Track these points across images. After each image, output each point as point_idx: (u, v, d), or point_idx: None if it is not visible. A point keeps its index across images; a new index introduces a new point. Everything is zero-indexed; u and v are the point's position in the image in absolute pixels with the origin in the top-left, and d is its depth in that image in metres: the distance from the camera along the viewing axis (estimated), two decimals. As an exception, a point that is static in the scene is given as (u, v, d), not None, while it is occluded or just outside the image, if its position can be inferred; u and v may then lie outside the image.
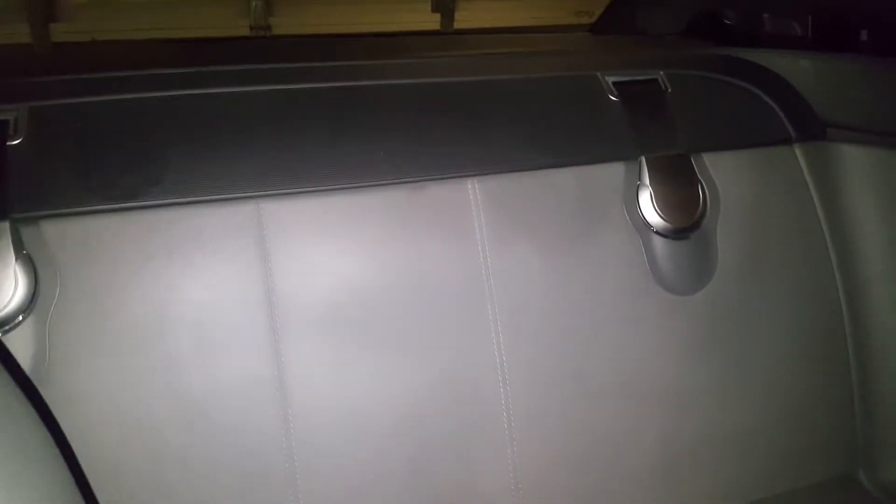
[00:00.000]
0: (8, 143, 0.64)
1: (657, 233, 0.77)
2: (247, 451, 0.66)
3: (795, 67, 0.86)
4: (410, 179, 0.72)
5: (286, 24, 1.18)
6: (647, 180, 0.77)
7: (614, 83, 0.81)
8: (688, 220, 0.77)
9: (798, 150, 0.83)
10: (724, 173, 0.80)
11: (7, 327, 0.61)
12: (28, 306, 0.62)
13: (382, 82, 0.78)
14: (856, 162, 0.79)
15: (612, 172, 0.77)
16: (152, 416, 0.64)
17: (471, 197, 0.73)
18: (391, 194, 0.72)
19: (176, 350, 0.65)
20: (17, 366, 0.61)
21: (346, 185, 0.71)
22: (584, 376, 0.75)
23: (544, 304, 0.74)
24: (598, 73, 0.81)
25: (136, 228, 0.65)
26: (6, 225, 0.62)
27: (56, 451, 0.41)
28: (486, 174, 0.74)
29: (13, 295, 0.61)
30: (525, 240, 0.74)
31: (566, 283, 0.75)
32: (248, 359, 0.67)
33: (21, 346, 0.62)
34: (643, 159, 0.77)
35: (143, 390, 0.64)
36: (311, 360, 0.69)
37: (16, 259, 0.61)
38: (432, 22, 1.26)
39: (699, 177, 0.78)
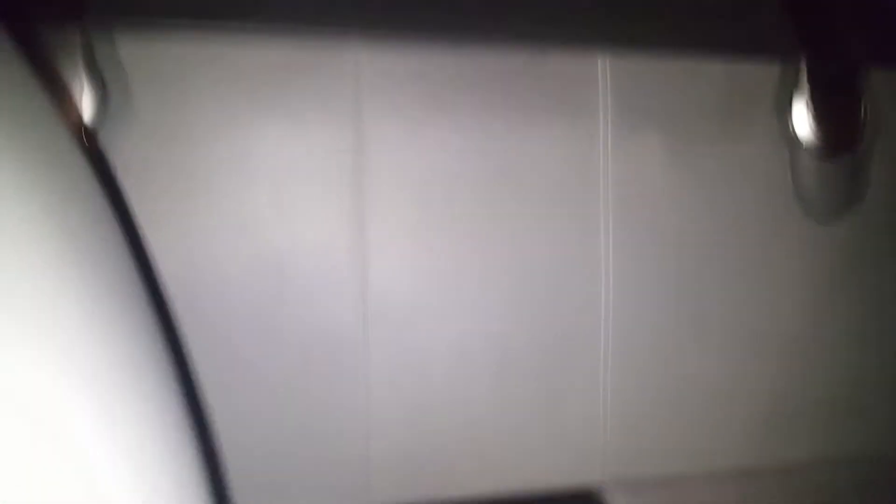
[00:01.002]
0: None
1: (808, 149, 0.66)
2: (322, 315, 0.59)
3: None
4: (531, 44, 0.62)
5: None
6: (805, 88, 0.66)
7: None
8: (845, 139, 0.67)
9: None
10: (891, 92, 0.69)
11: None
12: (96, 123, 0.54)
13: None
14: None
15: (766, 73, 0.66)
16: (225, 270, 0.57)
17: (599, 75, 0.63)
18: (507, 59, 0.62)
19: (253, 203, 0.58)
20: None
21: (455, 41, 0.61)
22: (700, 300, 0.65)
23: (666, 211, 0.64)
24: None
25: (219, 62, 0.56)
26: (76, 35, 0.54)
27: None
28: (620, 52, 0.63)
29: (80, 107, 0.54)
30: (654, 134, 0.64)
31: (695, 190, 0.65)
32: (330, 223, 0.59)
33: None
34: (804, 63, 0.66)
35: (215, 240, 0.57)
36: (397, 233, 0.61)
37: (86, 71, 0.54)
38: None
39: (865, 93, 0.68)
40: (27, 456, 0.24)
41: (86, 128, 0.55)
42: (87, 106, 0.54)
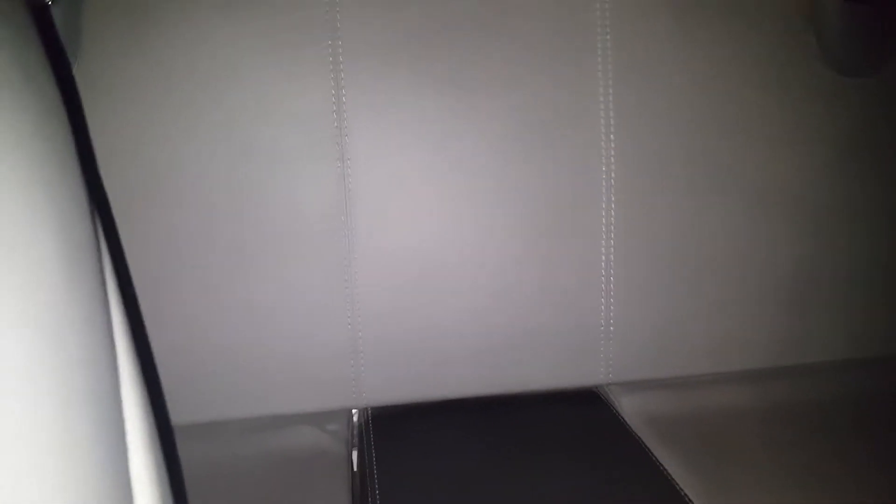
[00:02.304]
0: None
1: (833, -7, 0.59)
2: (302, 196, 0.58)
3: None
4: None
5: None
6: (827, -77, 0.59)
7: None
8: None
9: None
10: None
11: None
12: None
13: None
14: None
15: None
16: (193, 129, 0.56)
17: None
18: None
19: (228, 76, 0.56)
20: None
21: None
22: (711, 159, 0.60)
23: (670, 66, 0.59)
24: None
25: None
26: None
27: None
28: None
29: None
30: None
31: (702, 44, 0.59)
32: (308, 97, 0.57)
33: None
34: None
35: (188, 115, 0.56)
36: (377, 100, 0.58)
37: None
38: None
39: None
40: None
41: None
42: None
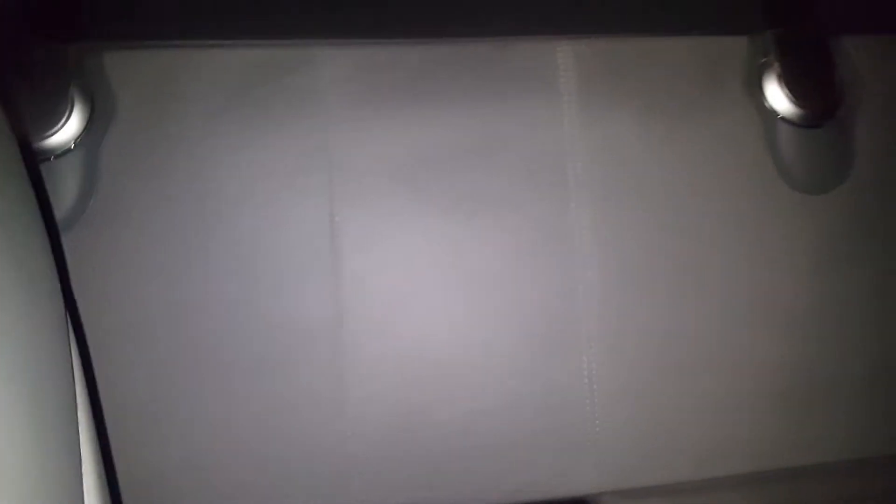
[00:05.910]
0: None
1: (784, 119, 0.65)
2: (299, 313, 0.61)
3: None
4: (492, 37, 0.64)
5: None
6: (774, 58, 0.65)
7: None
8: (821, 106, 0.65)
9: None
10: (870, 59, 0.67)
11: (59, 153, 0.59)
12: (81, 134, 0.59)
13: None
14: None
15: (732, 47, 0.66)
16: (203, 267, 0.59)
17: (559, 61, 0.64)
18: (469, 50, 0.64)
19: (231, 203, 0.60)
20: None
21: (420, 39, 0.63)
22: (686, 282, 0.63)
23: (640, 191, 0.63)
24: None
25: (197, 71, 0.61)
26: (66, 50, 0.59)
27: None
28: (580, 37, 0.64)
29: (67, 121, 0.59)
30: (621, 114, 0.64)
31: (669, 168, 0.64)
32: (304, 221, 0.61)
33: (69, 174, 0.60)
34: (770, 34, 0.66)
35: (195, 241, 0.60)
36: (368, 223, 0.62)
37: (73, 85, 0.59)
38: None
39: (837, 60, 0.66)
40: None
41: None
42: (76, 114, 0.59)
